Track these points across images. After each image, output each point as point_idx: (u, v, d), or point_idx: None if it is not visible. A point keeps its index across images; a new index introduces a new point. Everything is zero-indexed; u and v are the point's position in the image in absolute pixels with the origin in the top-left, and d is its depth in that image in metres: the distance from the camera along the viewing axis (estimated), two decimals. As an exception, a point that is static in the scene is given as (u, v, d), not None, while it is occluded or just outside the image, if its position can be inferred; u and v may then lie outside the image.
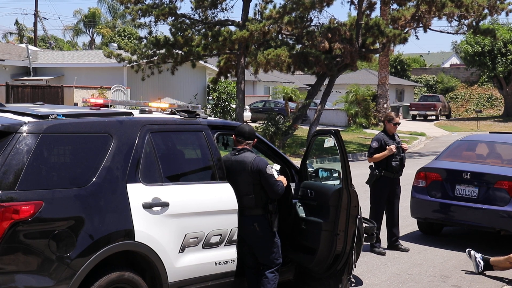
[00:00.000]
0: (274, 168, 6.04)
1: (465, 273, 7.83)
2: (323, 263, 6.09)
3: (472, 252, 7.89)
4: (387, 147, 8.46)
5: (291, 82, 47.17)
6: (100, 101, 6.18)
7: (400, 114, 47.58)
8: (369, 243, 8.38)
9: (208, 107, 28.60)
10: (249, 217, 5.69)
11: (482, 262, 7.79)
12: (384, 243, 8.79)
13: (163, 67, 24.08)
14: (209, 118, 6.08)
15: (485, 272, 7.77)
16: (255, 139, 5.96)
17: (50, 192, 4.50)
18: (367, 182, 8.70)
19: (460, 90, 57.60)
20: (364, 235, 7.03)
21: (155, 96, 27.52)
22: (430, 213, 9.42)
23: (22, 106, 5.90)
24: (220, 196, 5.62)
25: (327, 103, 25.22)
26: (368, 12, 22.86)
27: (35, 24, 50.73)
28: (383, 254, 8.47)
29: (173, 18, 22.80)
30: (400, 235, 9.01)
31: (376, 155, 8.54)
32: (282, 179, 5.82)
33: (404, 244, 8.89)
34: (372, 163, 8.63)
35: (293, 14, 21.30)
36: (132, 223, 4.89)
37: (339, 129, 6.30)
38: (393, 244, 8.72)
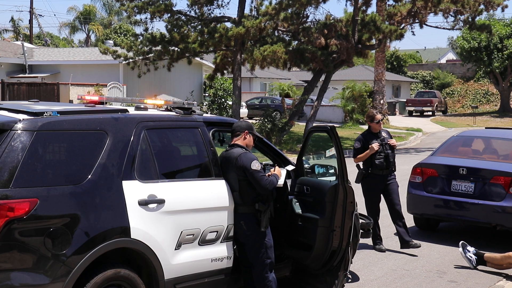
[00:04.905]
0: (286, 169, 6.03)
1: (461, 268, 7.85)
2: (320, 259, 6.09)
3: (461, 249, 7.87)
4: (369, 146, 8.44)
5: (287, 78, 47.14)
6: (95, 98, 6.16)
7: (396, 110, 47.64)
8: (371, 241, 8.40)
9: (205, 104, 28.57)
10: (237, 214, 5.67)
11: (474, 257, 7.80)
12: (390, 240, 8.77)
13: (159, 64, 24.04)
14: (204, 114, 6.06)
15: (477, 266, 7.78)
16: (245, 131, 5.85)
17: (45, 190, 4.50)
18: (356, 181, 8.61)
19: (456, 86, 57.65)
20: (361, 231, 7.05)
21: (151, 93, 27.49)
22: (427, 209, 9.43)
23: (17, 103, 5.88)
24: (216, 193, 5.61)
25: (323, 100, 25.23)
26: (364, 8, 22.87)
27: (30, 21, 50.63)
28: (383, 251, 8.46)
29: (169, 14, 22.77)
30: (407, 227, 8.61)
31: (360, 156, 8.50)
32: (277, 171, 5.80)
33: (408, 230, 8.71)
34: (359, 163, 8.63)
35: (289, 11, 21.29)
36: (128, 220, 4.89)
37: (335, 125, 6.31)
38: (404, 240, 8.43)
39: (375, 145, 8.39)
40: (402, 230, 8.50)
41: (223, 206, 5.62)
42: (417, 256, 8.36)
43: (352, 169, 7.97)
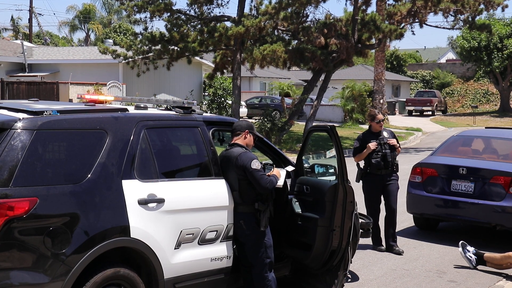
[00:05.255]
0: (286, 170, 6.02)
1: (461, 268, 7.84)
2: (319, 259, 6.09)
3: (461, 249, 7.87)
4: (367, 145, 8.43)
5: (287, 78, 47.14)
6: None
7: (396, 109, 47.63)
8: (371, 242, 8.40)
9: (204, 103, 28.55)
10: (237, 214, 5.67)
11: (473, 257, 7.80)
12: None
13: (159, 63, 24.03)
14: (204, 114, 6.06)
15: (477, 266, 7.78)
16: (246, 131, 5.85)
17: (45, 189, 4.49)
18: (356, 180, 8.60)
19: (456, 86, 57.66)
20: (360, 230, 7.04)
21: (150, 92, 27.49)
22: (426, 209, 9.42)
23: (17, 102, 5.88)
24: (216, 192, 5.60)
25: (323, 99, 25.22)
26: (364, 7, 22.85)
27: (30, 20, 50.64)
28: (383, 251, 8.45)
29: (169, 14, 22.74)
30: (395, 232, 8.69)
31: (358, 155, 8.51)
32: (276, 172, 5.79)
33: (400, 239, 8.76)
34: (360, 162, 8.61)
35: (289, 10, 21.27)
36: (128, 219, 4.88)
37: (335, 124, 6.30)
38: (388, 244, 8.51)
39: (372, 145, 8.37)
40: (390, 235, 8.51)
41: (223, 206, 5.62)
42: (402, 255, 8.33)
43: (352, 168, 7.97)
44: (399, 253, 8.38)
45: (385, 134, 8.56)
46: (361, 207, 8.65)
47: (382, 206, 8.63)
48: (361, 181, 8.62)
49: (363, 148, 8.45)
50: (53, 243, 4.46)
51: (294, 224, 6.23)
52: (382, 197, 8.62)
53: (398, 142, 8.64)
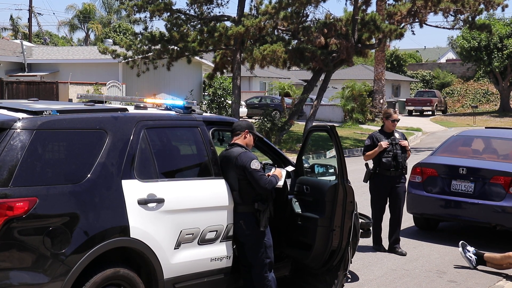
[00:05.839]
0: (286, 170, 6.02)
1: (461, 268, 7.84)
2: (319, 259, 6.08)
3: (461, 249, 7.86)
4: (378, 143, 8.41)
5: (287, 77, 47.13)
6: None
7: (396, 109, 47.50)
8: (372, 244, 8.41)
9: (204, 103, 28.54)
10: (237, 214, 5.67)
11: (473, 257, 7.79)
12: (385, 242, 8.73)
13: (159, 63, 24.01)
14: (204, 114, 6.05)
15: (477, 266, 7.78)
16: (246, 131, 5.85)
17: (45, 189, 4.48)
18: (364, 180, 8.60)
19: (456, 85, 57.64)
20: (360, 230, 7.03)
21: (150, 92, 27.47)
22: (426, 209, 9.42)
23: (17, 102, 5.87)
24: (216, 192, 5.60)
25: (323, 99, 25.19)
26: (364, 7, 22.84)
27: (29, 20, 50.63)
28: (384, 251, 8.43)
29: (169, 13, 22.73)
30: (400, 234, 8.67)
31: (368, 153, 8.47)
32: (277, 172, 5.78)
33: (400, 240, 8.77)
34: (368, 161, 8.58)
35: (289, 10, 21.26)
36: (127, 219, 4.88)
37: (335, 124, 6.29)
38: (391, 246, 8.50)
39: (384, 143, 8.32)
40: (394, 237, 8.50)
41: (223, 206, 5.61)
42: (405, 255, 8.33)
43: (352, 168, 7.96)
44: (402, 254, 8.37)
45: (396, 135, 8.54)
46: (363, 207, 8.65)
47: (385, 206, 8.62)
48: (368, 181, 8.59)
49: (375, 146, 8.42)
50: (52, 243, 4.46)
51: (294, 224, 6.23)
52: (388, 198, 8.58)
53: (408, 145, 8.62)
